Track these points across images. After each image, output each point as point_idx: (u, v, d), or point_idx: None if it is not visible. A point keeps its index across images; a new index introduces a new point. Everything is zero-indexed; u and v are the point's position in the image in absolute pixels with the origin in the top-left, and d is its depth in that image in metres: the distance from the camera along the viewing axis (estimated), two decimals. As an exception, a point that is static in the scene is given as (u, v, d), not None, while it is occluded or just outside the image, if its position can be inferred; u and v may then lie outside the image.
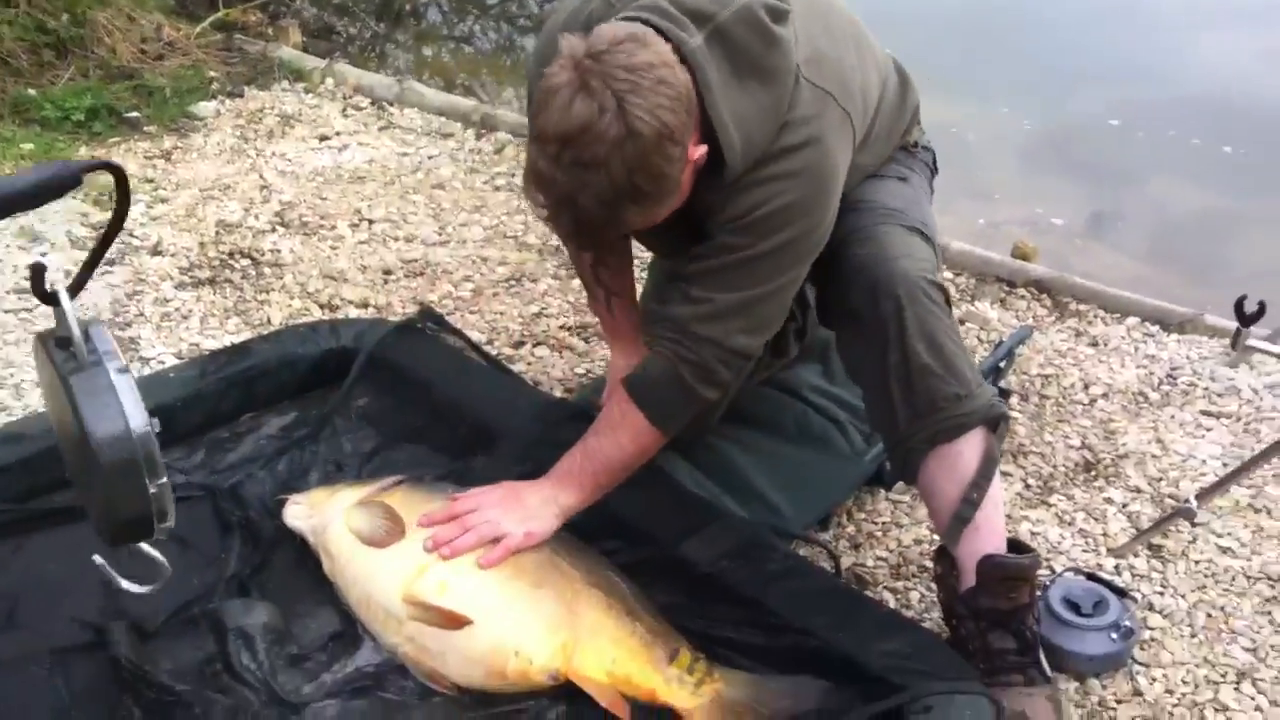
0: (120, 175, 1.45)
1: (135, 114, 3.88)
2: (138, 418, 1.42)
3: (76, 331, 1.42)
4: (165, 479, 1.46)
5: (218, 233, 3.22)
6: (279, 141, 3.82)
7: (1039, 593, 1.94)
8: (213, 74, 4.24)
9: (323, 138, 3.86)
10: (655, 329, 1.88)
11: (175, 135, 3.83)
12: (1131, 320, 3.00)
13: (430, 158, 3.75)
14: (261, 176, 3.57)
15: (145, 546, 1.63)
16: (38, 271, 1.40)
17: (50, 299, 1.41)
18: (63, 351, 1.43)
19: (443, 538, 1.81)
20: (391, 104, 4.11)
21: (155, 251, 3.11)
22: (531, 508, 1.86)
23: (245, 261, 3.10)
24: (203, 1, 4.86)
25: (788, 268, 1.82)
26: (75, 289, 1.45)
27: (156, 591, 1.73)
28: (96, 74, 4.08)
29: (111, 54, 4.17)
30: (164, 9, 4.54)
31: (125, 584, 1.74)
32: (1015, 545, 1.90)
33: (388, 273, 3.09)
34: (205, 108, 4.00)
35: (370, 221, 3.34)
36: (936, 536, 2.23)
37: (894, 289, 1.82)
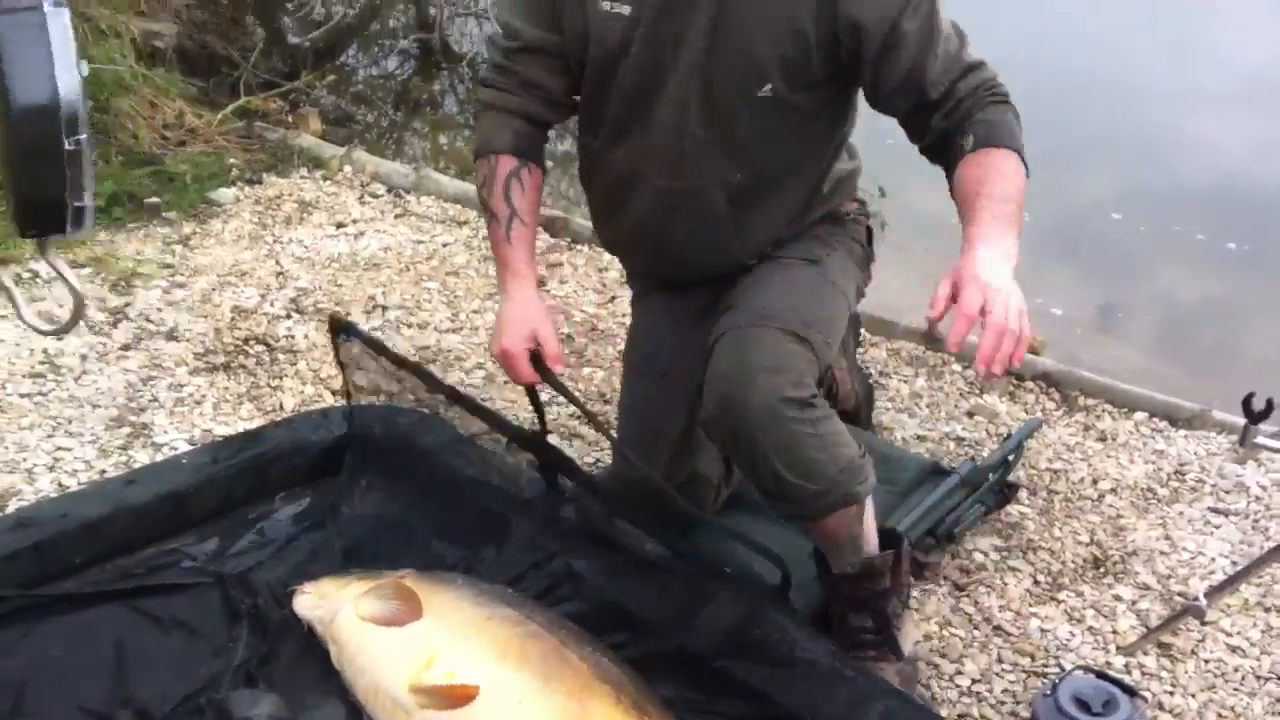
0: None
1: (156, 200, 3.94)
2: (65, 60, 1.21)
3: None
4: (85, 135, 1.23)
5: (233, 319, 3.26)
6: (297, 228, 3.87)
7: (911, 584, 2.15)
8: (233, 161, 4.31)
9: (339, 225, 3.92)
10: (964, 103, 1.87)
11: (195, 221, 3.89)
12: (1140, 415, 3.01)
13: (445, 245, 3.80)
14: (278, 263, 3.61)
15: (59, 265, 1.38)
16: None
17: None
18: None
19: (997, 318, 1.54)
20: (408, 192, 4.18)
21: (171, 337, 3.15)
22: (1002, 274, 1.61)
23: (260, 347, 3.13)
24: (224, 89, 4.96)
25: None
26: None
27: (63, 333, 1.44)
28: (118, 160, 4.14)
29: (134, 140, 4.25)
30: (186, 96, 4.63)
31: (30, 318, 1.51)
32: (887, 535, 2.06)
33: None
34: (225, 194, 4.06)
35: (384, 308, 3.38)
36: (939, 627, 2.24)
37: (748, 416, 1.84)
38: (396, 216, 4.02)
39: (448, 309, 3.39)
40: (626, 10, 1.96)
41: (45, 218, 1.28)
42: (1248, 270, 4.36)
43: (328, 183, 4.23)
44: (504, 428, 2.22)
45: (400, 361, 2.34)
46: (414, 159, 4.80)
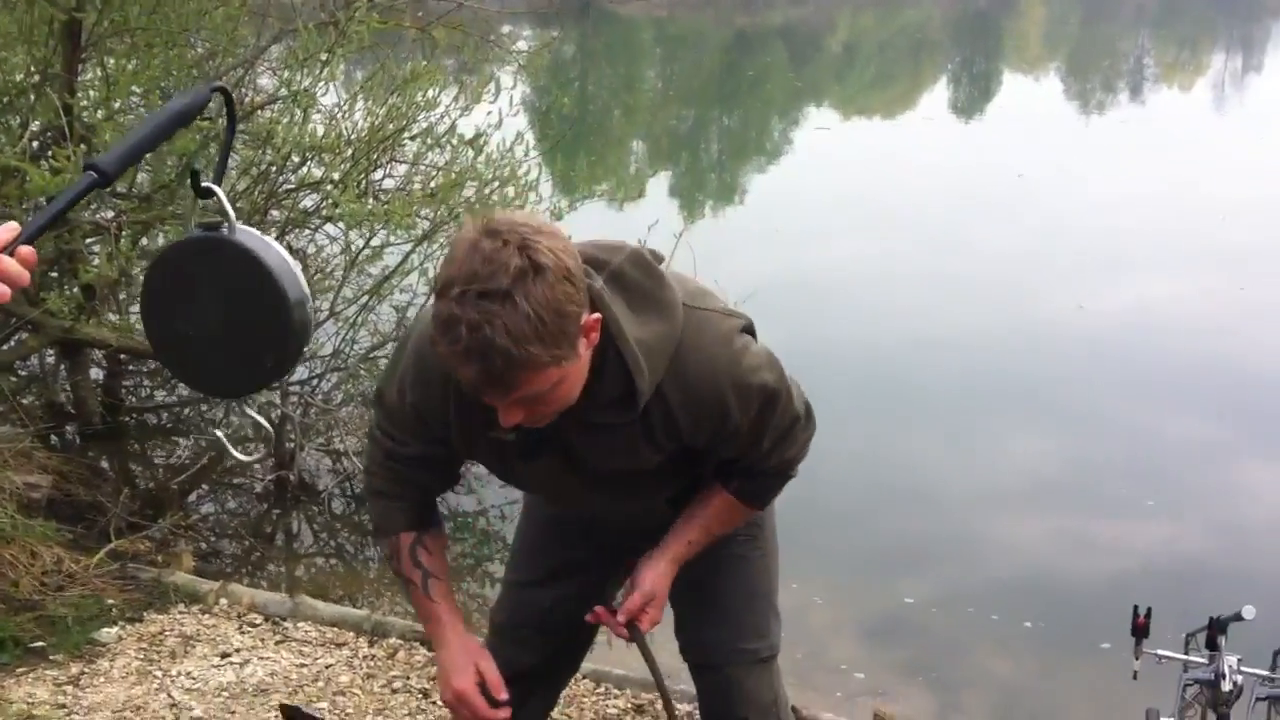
0: (228, 95, 1.68)
1: (40, 643, 4.11)
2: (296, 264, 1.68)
3: (230, 210, 1.64)
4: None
5: (136, 751, 3.42)
6: (183, 661, 4.07)
7: None
8: (111, 601, 4.51)
9: (224, 655, 4.13)
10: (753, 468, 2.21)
11: (81, 661, 4.05)
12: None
13: (328, 666, 4.05)
14: (170, 695, 3.80)
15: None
16: (194, 173, 1.68)
17: (205, 193, 1.65)
18: (215, 231, 1.65)
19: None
20: (285, 619, 4.43)
21: (77, 772, 3.28)
22: (664, 579, 2.26)
23: (166, 776, 3.29)
24: (95, 534, 5.19)
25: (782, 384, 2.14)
26: (218, 180, 1.68)
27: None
28: (-1, 607, 4.32)
29: (14, 587, 4.44)
30: (62, 542, 4.85)
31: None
32: None
33: (302, 778, 3.31)
34: (107, 634, 4.25)
35: (280, 731, 3.58)
36: None
37: None
38: (277, 643, 4.26)
39: (341, 727, 3.62)
40: (511, 437, 2.08)
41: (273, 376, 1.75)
42: (1048, 648, 4.88)
43: (206, 615, 4.46)
44: None
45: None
46: (287, 587, 5.07)
